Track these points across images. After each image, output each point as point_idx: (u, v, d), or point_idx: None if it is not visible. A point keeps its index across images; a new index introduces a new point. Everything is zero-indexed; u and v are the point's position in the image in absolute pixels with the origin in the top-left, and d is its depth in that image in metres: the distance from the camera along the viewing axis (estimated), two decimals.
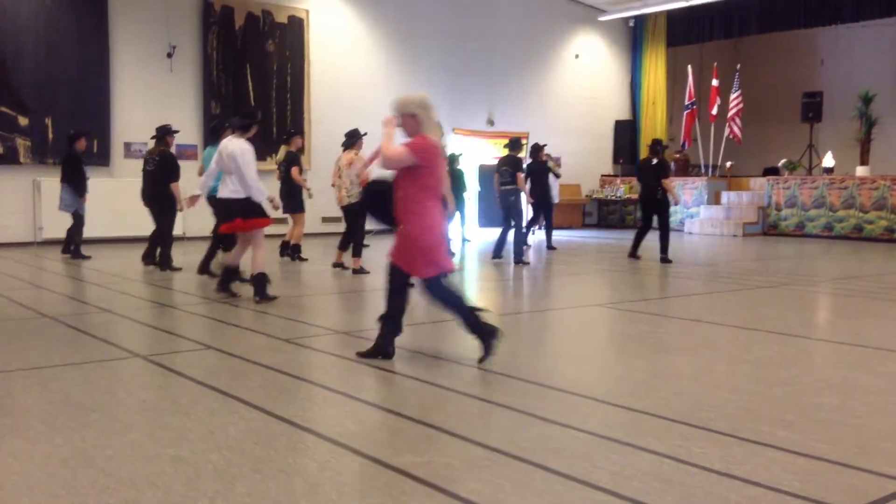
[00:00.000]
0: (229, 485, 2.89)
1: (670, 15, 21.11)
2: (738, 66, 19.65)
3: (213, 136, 9.19)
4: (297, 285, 9.04)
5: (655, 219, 11.53)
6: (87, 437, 3.41)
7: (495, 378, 4.58)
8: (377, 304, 7.64)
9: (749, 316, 6.97)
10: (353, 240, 9.73)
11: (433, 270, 4.74)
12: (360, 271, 9.51)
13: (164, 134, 9.88)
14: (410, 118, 4.78)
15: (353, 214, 9.60)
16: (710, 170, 20.00)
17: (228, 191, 7.26)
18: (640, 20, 21.71)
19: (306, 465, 3.12)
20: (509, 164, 11.37)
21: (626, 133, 21.79)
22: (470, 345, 5.89)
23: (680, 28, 21.29)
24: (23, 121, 13.51)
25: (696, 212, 19.05)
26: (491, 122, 19.29)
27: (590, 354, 5.63)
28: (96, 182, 13.22)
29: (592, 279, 10.00)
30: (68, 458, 3.15)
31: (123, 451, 3.23)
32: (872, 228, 16.15)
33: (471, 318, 4.84)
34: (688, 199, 19.39)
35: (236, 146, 7.17)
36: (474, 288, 9.19)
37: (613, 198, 21.04)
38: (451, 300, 4.85)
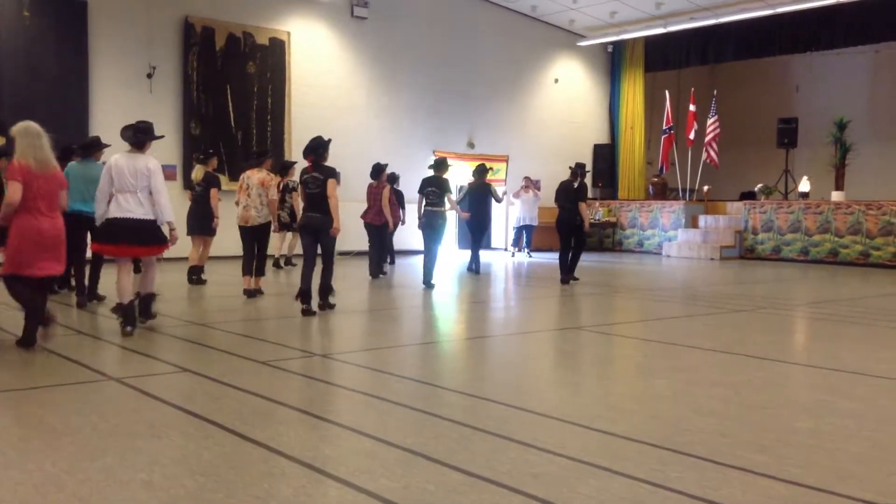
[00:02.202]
0: None
1: (648, 41, 21.40)
2: (715, 91, 19.94)
3: (85, 151, 8.40)
4: (265, 308, 8.97)
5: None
6: (59, 462, 3.35)
7: (472, 402, 4.56)
8: (353, 326, 7.62)
9: (726, 340, 7.01)
10: (258, 260, 9.34)
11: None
12: (255, 292, 9.26)
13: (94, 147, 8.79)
14: (12, 141, 5.65)
15: (261, 235, 9.36)
16: (688, 194, 20.21)
17: (141, 211, 6.47)
18: (619, 46, 22.00)
19: (281, 490, 3.09)
20: (436, 186, 10.94)
21: (604, 157, 21.99)
22: (448, 368, 5.88)
23: (658, 54, 21.58)
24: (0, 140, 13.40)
25: (674, 235, 19.21)
26: (471, 145, 19.39)
27: (567, 378, 5.63)
28: None
29: (568, 302, 10.02)
30: (39, 484, 3.10)
31: (95, 477, 3.18)
32: (848, 253, 16.35)
33: (30, 318, 5.81)
34: (665, 222, 19.56)
35: (151, 162, 6.54)
36: (448, 311, 9.17)
37: (592, 221, 21.12)
38: (15, 294, 5.90)
